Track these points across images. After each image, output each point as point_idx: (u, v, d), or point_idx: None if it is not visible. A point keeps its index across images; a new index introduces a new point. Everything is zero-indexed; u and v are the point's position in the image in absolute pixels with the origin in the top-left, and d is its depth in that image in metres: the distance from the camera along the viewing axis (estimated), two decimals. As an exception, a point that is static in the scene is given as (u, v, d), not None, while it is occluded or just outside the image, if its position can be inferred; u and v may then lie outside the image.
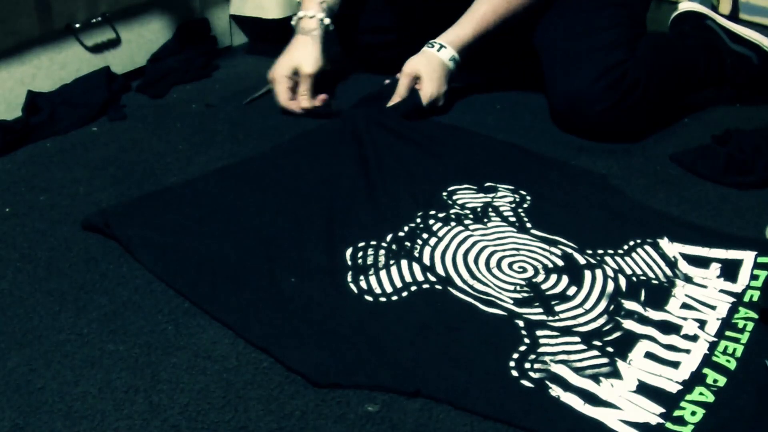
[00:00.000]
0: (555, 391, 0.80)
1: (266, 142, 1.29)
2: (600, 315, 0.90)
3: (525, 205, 1.10)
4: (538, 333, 0.87)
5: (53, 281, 0.97)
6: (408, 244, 1.00)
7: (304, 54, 1.36)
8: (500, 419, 0.77)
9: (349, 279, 0.94)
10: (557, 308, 0.91)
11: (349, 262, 0.96)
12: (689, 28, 1.43)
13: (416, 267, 0.96)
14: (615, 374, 0.82)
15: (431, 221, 1.05)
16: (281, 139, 1.30)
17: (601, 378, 0.81)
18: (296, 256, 0.97)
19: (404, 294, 0.92)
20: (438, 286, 0.93)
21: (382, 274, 0.95)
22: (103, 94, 1.42)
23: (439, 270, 0.96)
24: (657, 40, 1.37)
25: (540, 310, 0.90)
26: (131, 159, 1.26)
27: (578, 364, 0.83)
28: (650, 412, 0.78)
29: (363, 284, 0.93)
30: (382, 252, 0.98)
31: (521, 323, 0.88)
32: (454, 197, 1.11)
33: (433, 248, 1.00)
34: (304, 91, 1.36)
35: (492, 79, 1.54)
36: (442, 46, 1.35)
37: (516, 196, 1.12)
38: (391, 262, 0.97)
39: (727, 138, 1.26)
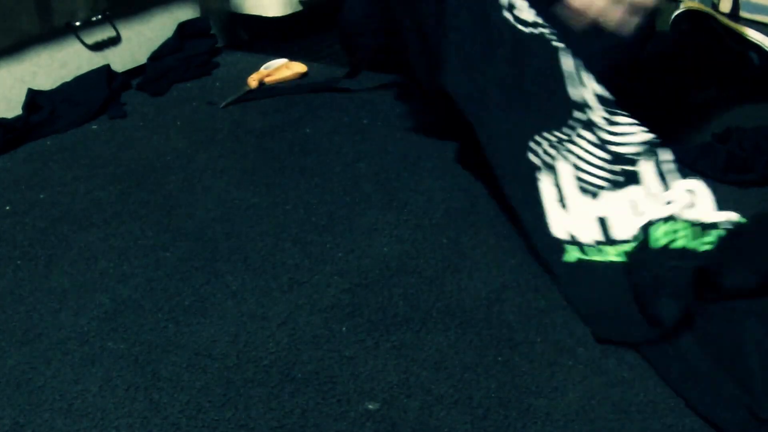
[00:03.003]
0: (542, 182, 0.82)
1: (266, 141, 1.29)
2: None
3: None
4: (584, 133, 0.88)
5: (53, 279, 0.97)
6: None
7: None
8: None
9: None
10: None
11: None
12: (691, 28, 1.43)
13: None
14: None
15: None
16: (282, 138, 1.30)
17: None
18: None
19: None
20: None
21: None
22: (104, 93, 1.42)
23: None
24: (664, 43, 1.36)
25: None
26: (131, 157, 1.26)
27: (582, 174, 0.84)
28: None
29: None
30: None
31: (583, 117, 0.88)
32: None
33: None
34: None
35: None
36: None
37: None
38: None
39: (728, 136, 1.25)
